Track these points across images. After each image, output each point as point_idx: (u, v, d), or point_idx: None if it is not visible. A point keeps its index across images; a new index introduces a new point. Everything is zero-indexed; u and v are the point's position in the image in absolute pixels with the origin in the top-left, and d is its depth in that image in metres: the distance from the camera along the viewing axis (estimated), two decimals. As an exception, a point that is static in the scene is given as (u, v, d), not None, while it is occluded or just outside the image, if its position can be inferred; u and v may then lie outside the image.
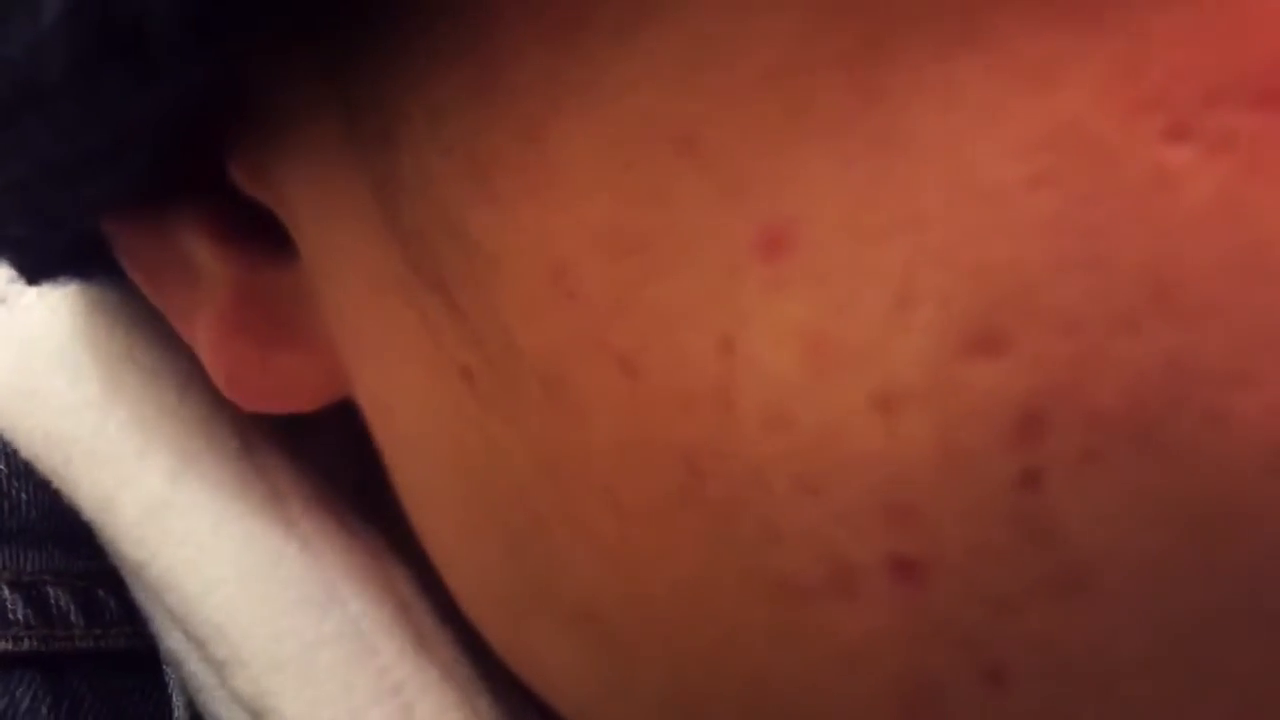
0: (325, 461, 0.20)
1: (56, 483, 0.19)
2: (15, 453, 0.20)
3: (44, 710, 0.18)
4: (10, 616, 0.18)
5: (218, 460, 0.19)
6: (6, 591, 0.19)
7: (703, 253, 0.12)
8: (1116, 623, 0.12)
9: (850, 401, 0.11)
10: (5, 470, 0.20)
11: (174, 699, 0.19)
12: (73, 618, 0.19)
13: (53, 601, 0.19)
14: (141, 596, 0.20)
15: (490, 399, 0.14)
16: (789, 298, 0.12)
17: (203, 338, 0.17)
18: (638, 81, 0.12)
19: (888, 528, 0.12)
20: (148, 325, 0.19)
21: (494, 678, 0.19)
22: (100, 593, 0.20)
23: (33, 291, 0.20)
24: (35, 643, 0.18)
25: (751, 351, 0.12)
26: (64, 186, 0.16)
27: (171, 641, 0.19)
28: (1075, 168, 0.11)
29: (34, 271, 0.19)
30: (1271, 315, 0.11)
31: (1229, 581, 0.11)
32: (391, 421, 0.17)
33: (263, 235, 0.17)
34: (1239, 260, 0.10)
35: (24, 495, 0.20)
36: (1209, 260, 0.10)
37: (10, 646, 0.18)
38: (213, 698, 0.19)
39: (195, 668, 0.19)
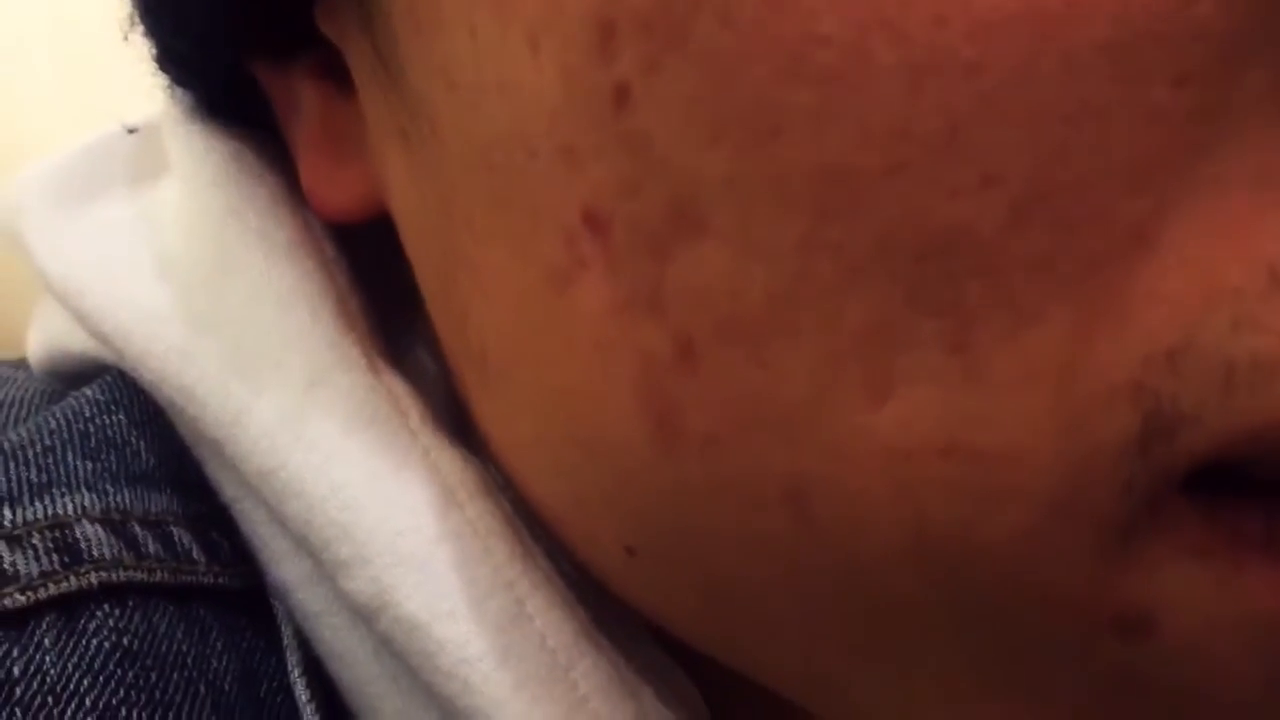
0: (428, 392, 0.21)
1: (183, 402, 0.21)
2: (134, 405, 0.22)
3: (179, 635, 0.19)
4: (143, 550, 0.20)
5: (348, 375, 0.20)
6: (138, 528, 0.20)
7: None
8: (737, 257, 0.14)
9: None
10: (125, 420, 0.22)
11: (283, 629, 0.21)
12: (195, 555, 0.20)
13: (176, 539, 0.20)
14: (251, 530, 0.21)
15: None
16: None
17: (299, 156, 0.22)
18: None
19: None
20: (283, 257, 0.21)
21: (582, 585, 0.21)
22: (214, 534, 0.21)
23: (173, 214, 0.22)
24: (166, 575, 0.20)
25: None
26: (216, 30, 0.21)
27: (281, 571, 0.21)
28: None
29: (208, 105, 0.23)
30: None
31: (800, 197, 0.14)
32: (403, 225, 0.21)
33: (346, 75, 0.21)
34: None
35: (142, 443, 0.22)
36: None
37: (146, 577, 0.20)
38: (318, 624, 0.20)
39: (304, 595, 0.20)
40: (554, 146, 0.16)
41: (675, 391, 0.16)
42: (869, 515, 0.15)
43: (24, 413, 0.23)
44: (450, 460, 0.20)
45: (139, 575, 0.19)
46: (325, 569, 0.20)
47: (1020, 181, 0.13)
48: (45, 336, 0.25)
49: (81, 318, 0.22)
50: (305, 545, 0.20)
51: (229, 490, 0.21)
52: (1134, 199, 0.13)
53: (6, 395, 0.24)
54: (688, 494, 0.16)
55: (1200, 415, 0.13)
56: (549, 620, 0.19)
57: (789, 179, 0.14)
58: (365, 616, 0.19)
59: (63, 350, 0.24)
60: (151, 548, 0.20)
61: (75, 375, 0.24)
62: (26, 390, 0.24)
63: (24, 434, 0.21)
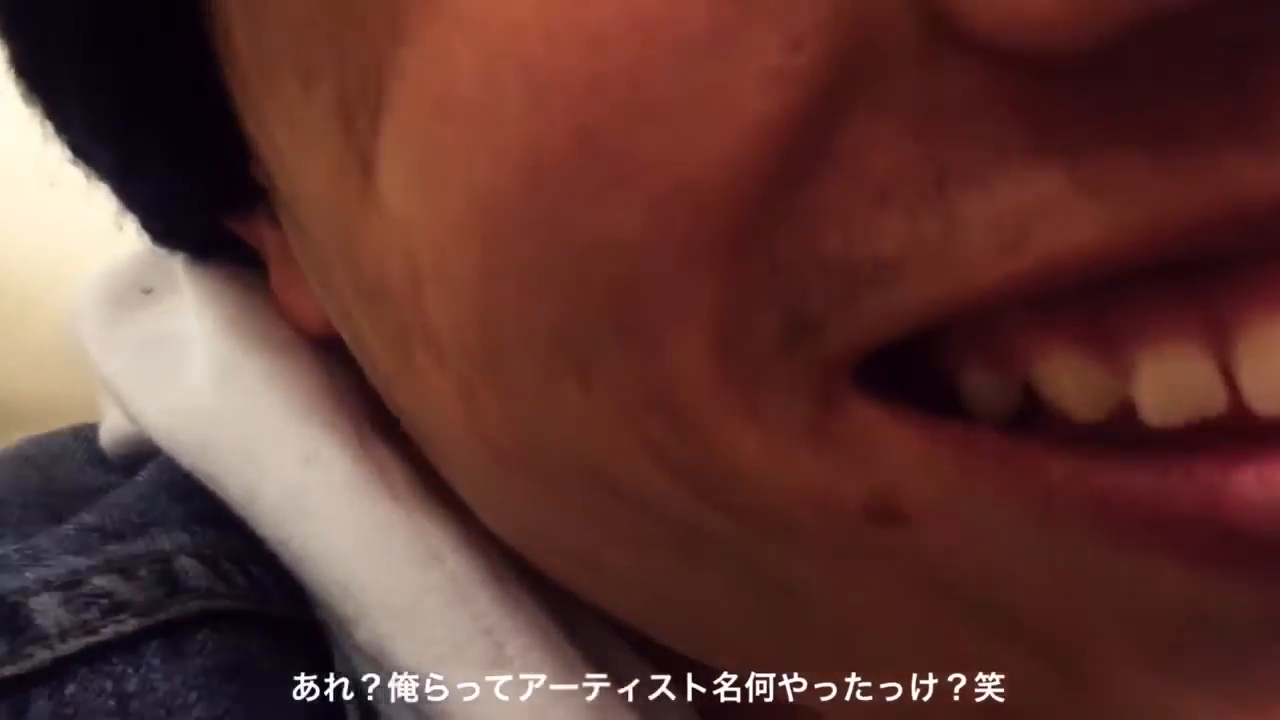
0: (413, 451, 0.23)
1: (211, 487, 0.23)
2: None
3: (271, 656, 0.22)
4: (233, 582, 0.22)
5: (339, 450, 0.23)
6: (226, 563, 0.23)
7: None
8: None
9: None
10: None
11: (335, 660, 0.23)
12: (272, 590, 0.23)
13: (256, 576, 0.23)
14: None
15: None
16: None
17: (274, 292, 0.24)
18: None
19: None
20: (281, 354, 0.24)
21: (577, 622, 0.22)
22: (283, 576, 0.23)
23: (192, 330, 0.25)
24: (253, 604, 0.22)
25: None
26: (178, 200, 0.24)
27: (323, 614, 0.23)
28: None
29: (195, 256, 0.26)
30: None
31: None
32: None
33: None
34: None
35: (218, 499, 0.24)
36: None
37: (238, 605, 0.22)
38: (359, 658, 0.22)
39: (339, 634, 0.22)
40: (329, 235, 0.18)
41: (484, 417, 0.18)
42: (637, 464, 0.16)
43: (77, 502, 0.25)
44: (433, 519, 0.22)
45: (232, 604, 0.22)
46: (340, 623, 0.22)
47: (653, 184, 0.14)
48: (115, 420, 0.28)
49: (126, 415, 0.25)
50: (321, 602, 0.22)
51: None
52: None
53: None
54: (552, 499, 0.18)
55: (830, 316, 0.14)
56: (528, 662, 0.21)
57: (457, 212, 0.16)
58: (374, 663, 0.21)
59: (128, 432, 0.27)
60: (239, 580, 0.22)
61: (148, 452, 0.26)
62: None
63: (127, 488, 0.24)
